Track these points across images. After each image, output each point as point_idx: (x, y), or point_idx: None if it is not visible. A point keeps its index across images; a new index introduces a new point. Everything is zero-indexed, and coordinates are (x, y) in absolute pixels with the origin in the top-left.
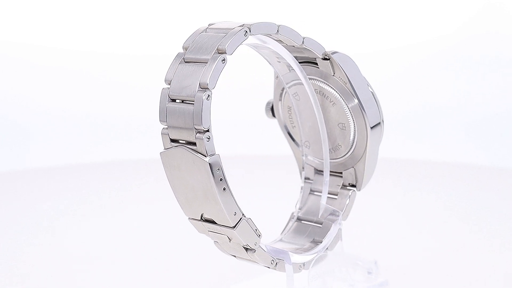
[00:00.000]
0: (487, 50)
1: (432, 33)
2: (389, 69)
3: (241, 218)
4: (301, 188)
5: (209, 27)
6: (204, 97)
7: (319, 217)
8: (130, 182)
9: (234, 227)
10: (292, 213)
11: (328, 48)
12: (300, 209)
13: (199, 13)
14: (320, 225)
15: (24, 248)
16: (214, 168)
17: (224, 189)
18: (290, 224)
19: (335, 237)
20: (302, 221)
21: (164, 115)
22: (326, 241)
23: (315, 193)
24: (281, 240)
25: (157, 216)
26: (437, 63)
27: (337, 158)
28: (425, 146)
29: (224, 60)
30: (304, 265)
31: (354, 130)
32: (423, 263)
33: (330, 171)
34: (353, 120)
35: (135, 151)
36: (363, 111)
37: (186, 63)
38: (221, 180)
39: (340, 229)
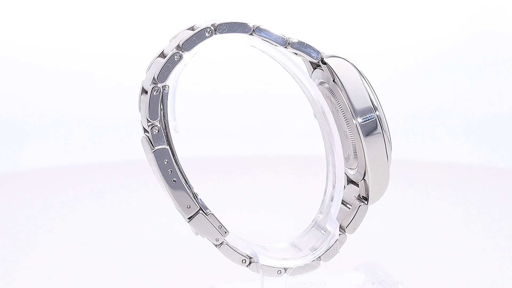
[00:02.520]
0: (487, 50)
1: (432, 33)
2: (389, 69)
3: (197, 212)
4: (324, 194)
5: (196, 25)
6: (153, 90)
7: (325, 225)
8: (130, 182)
9: (189, 219)
10: (314, 218)
11: (331, 51)
12: (320, 213)
13: (204, 14)
14: (324, 233)
15: (23, 248)
16: (160, 160)
17: (174, 181)
18: (308, 228)
19: (331, 248)
20: (319, 228)
21: (139, 106)
22: (319, 250)
23: None
24: (291, 242)
25: (156, 216)
26: (437, 63)
27: (352, 168)
28: (425, 146)
29: (180, 57)
30: (285, 270)
31: (354, 139)
32: (423, 265)
33: (351, 180)
34: (352, 129)
35: (135, 151)
36: (355, 119)
37: (162, 57)
38: (170, 172)
39: (337, 241)
